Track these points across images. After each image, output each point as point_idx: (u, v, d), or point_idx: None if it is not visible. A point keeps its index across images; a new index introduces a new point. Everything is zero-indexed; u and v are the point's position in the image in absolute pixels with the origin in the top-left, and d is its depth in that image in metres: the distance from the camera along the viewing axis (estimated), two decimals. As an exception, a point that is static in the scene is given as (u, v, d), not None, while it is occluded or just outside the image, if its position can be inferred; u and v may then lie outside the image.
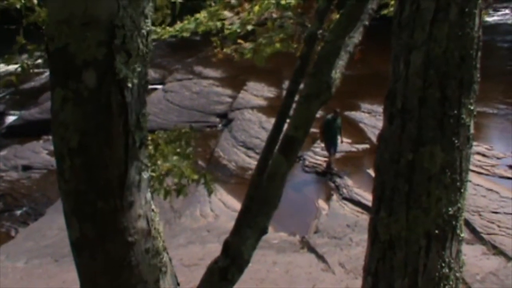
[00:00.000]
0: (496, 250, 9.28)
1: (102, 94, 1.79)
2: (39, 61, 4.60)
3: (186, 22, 6.27)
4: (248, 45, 5.74)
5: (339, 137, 13.43)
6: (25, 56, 4.70)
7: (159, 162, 4.28)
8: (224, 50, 6.01)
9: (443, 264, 2.51)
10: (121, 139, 1.86)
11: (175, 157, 4.37)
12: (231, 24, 5.77)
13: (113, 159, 1.87)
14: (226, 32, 5.72)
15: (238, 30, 5.62)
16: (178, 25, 6.30)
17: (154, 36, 5.93)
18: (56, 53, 1.79)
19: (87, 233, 1.96)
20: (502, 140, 14.80)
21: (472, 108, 2.47)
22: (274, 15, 5.82)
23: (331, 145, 13.26)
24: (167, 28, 6.17)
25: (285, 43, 5.59)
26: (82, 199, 1.92)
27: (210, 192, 4.65)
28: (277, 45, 5.60)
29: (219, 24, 5.84)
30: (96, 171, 1.87)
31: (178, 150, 4.49)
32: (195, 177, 4.35)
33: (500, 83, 18.10)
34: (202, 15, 6.11)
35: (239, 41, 5.84)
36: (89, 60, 1.76)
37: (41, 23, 4.23)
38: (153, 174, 4.23)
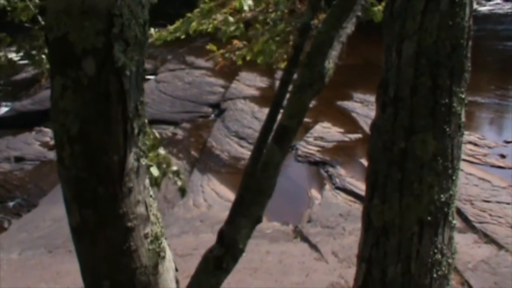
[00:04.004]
0: (488, 239, 9.33)
1: (101, 82, 1.82)
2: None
3: (178, 23, 6.22)
4: (242, 46, 5.70)
5: None
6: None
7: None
8: (221, 51, 5.96)
9: (436, 250, 2.56)
10: (120, 126, 1.89)
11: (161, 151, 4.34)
12: (224, 24, 5.70)
13: (112, 146, 1.90)
14: (222, 34, 5.65)
15: (231, 29, 5.56)
16: (171, 27, 6.25)
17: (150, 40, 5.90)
18: (55, 42, 1.82)
19: (87, 219, 2.00)
20: (494, 129, 14.86)
21: (463, 96, 2.50)
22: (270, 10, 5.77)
23: None
24: (160, 32, 6.14)
25: (279, 43, 5.56)
26: (82, 186, 1.95)
27: (182, 192, 4.61)
28: (273, 46, 5.55)
29: (211, 26, 5.77)
30: (96, 158, 1.90)
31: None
32: (170, 175, 4.33)
33: (491, 73, 18.16)
34: (194, 14, 6.05)
35: (235, 42, 5.79)
36: (88, 48, 1.79)
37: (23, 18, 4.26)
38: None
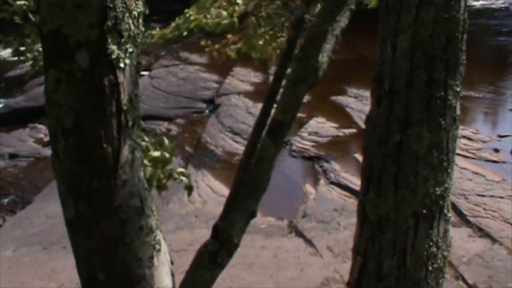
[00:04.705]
0: (482, 233, 9.36)
1: (95, 74, 1.82)
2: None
3: (178, 20, 6.23)
4: (236, 39, 5.70)
5: None
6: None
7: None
8: (216, 47, 5.97)
9: (431, 243, 2.56)
10: (114, 119, 1.90)
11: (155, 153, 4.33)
12: (217, 18, 5.69)
13: (107, 139, 1.90)
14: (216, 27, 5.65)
15: (225, 22, 5.55)
16: (172, 25, 6.26)
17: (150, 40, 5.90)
18: (49, 35, 1.82)
19: (82, 212, 2.01)
20: (487, 124, 14.91)
21: (458, 89, 2.50)
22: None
23: None
24: (163, 30, 6.16)
25: (274, 37, 5.56)
26: (76, 179, 1.95)
27: (189, 191, 4.60)
28: (266, 36, 5.55)
29: (210, 21, 5.77)
30: (90, 150, 1.90)
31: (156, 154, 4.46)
32: (175, 175, 4.32)
33: (485, 68, 18.20)
34: (191, 11, 6.06)
35: (229, 36, 5.79)
36: (82, 41, 1.79)
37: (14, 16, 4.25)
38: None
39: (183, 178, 4.35)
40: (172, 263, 2.35)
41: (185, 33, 6.11)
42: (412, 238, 2.54)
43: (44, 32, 1.83)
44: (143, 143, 4.15)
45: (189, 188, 4.54)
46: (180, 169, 4.34)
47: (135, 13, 1.88)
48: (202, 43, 6.06)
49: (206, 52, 6.26)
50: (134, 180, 2.05)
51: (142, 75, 19.87)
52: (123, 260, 2.10)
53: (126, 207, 2.03)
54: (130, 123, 1.96)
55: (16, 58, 4.84)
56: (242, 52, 5.76)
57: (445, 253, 2.62)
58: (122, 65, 1.86)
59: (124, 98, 1.90)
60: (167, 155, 4.09)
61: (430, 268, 2.58)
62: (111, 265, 2.10)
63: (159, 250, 2.22)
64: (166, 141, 4.20)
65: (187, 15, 6.03)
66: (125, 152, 1.96)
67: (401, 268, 2.56)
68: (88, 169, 1.93)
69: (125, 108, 1.91)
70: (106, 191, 1.97)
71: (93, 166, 1.93)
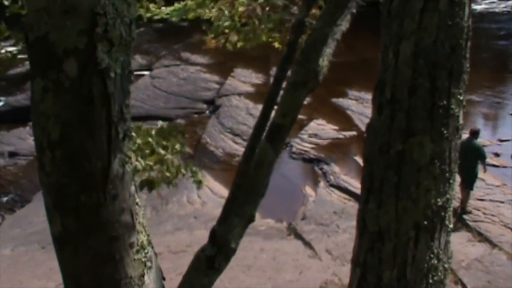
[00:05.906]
0: (481, 237, 9.35)
1: (83, 84, 1.72)
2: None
3: (175, 7, 6.23)
4: (234, 35, 5.70)
5: (480, 167, 10.03)
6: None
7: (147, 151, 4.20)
8: (212, 38, 5.97)
9: (432, 255, 2.51)
10: (103, 131, 1.80)
11: (162, 151, 4.30)
12: (221, 13, 5.70)
13: (95, 151, 1.81)
14: (215, 24, 5.66)
15: (226, 24, 5.55)
16: (168, 9, 6.26)
17: (148, 15, 5.91)
18: (35, 42, 1.72)
19: (69, 227, 1.91)
20: (488, 128, 14.89)
21: (461, 98, 2.46)
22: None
23: (463, 177, 9.64)
24: (161, 9, 6.15)
25: (269, 35, 5.55)
26: (64, 193, 1.86)
27: (199, 184, 4.56)
28: (263, 37, 5.55)
29: (210, 12, 5.77)
30: (78, 163, 1.81)
31: (165, 143, 4.43)
32: (183, 171, 4.29)
33: (486, 71, 18.19)
34: (191, 2, 6.06)
35: (226, 31, 5.78)
36: (70, 49, 1.69)
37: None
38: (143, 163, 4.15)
39: (194, 171, 4.32)
40: (164, 279, 2.28)
41: (176, 20, 6.14)
42: (412, 249, 2.49)
43: (30, 39, 1.74)
44: (151, 140, 4.12)
45: (199, 182, 4.52)
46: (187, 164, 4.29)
47: (127, 19, 1.78)
48: (205, 28, 6.07)
49: (204, 39, 6.25)
50: (125, 195, 1.96)
51: (143, 75, 19.90)
52: (112, 278, 2.00)
53: (116, 223, 1.94)
54: (120, 136, 1.86)
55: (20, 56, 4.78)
56: (238, 46, 5.76)
57: (446, 265, 2.58)
58: (112, 74, 1.76)
59: (114, 109, 1.80)
60: (178, 147, 4.05)
61: (430, 280, 2.53)
62: (100, 284, 2.01)
63: (150, 268, 2.13)
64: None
65: (186, 6, 6.05)
66: (115, 165, 1.87)
67: (401, 281, 2.51)
68: (76, 183, 1.84)
69: (115, 120, 1.82)
70: (95, 206, 1.88)
71: (81, 180, 1.84)
